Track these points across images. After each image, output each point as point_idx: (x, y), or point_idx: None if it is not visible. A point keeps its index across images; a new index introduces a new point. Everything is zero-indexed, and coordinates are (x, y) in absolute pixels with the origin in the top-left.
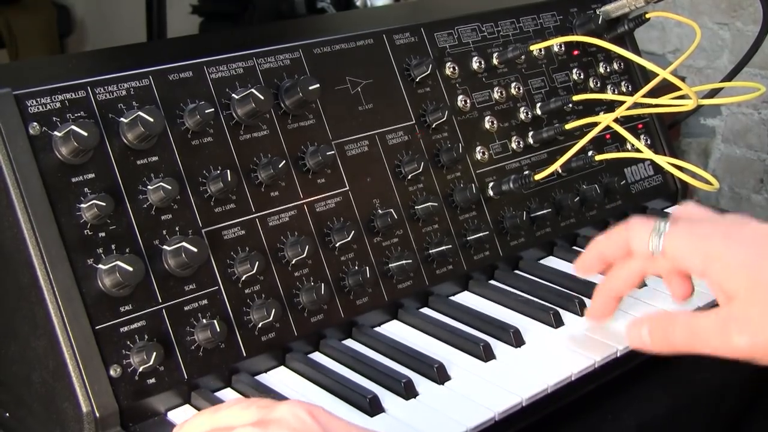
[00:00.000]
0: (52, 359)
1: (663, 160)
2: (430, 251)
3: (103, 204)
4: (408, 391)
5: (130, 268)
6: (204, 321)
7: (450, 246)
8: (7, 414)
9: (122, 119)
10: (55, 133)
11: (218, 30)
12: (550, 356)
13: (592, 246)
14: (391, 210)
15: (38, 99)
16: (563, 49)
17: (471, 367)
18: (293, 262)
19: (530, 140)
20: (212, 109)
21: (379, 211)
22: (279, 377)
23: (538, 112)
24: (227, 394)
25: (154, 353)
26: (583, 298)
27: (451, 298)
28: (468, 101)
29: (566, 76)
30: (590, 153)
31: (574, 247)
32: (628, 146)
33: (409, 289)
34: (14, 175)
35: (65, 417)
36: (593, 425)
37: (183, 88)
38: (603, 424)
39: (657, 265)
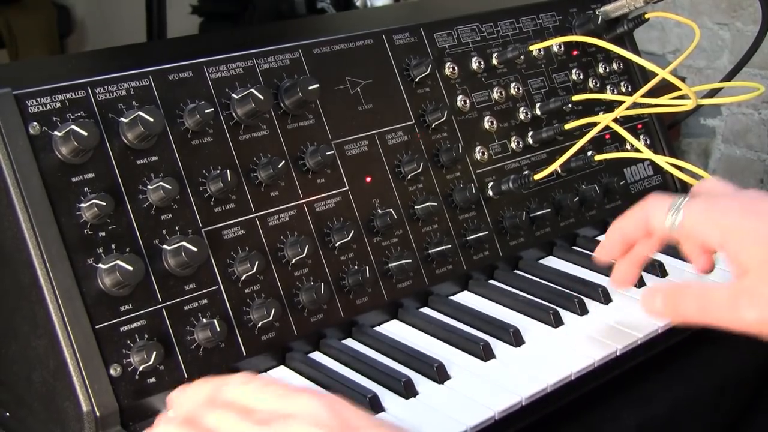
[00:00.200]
0: (53, 359)
1: (662, 160)
2: (430, 251)
3: (103, 204)
4: (408, 391)
5: (130, 268)
6: (204, 320)
7: (450, 246)
8: (8, 413)
9: (122, 119)
10: (55, 132)
11: (218, 30)
12: (550, 356)
13: (612, 229)
14: (391, 210)
15: (38, 99)
16: (563, 49)
17: (471, 367)
18: (293, 261)
19: (530, 140)
20: (212, 109)
21: (379, 210)
22: (279, 377)
23: (538, 112)
24: None
25: (155, 353)
26: (583, 297)
27: (451, 297)
28: (467, 101)
29: (566, 76)
30: (590, 153)
31: (574, 247)
32: (628, 146)
33: (409, 288)
34: (14, 174)
35: (66, 416)
36: (593, 425)
37: (183, 88)
38: (603, 424)
39: (677, 239)
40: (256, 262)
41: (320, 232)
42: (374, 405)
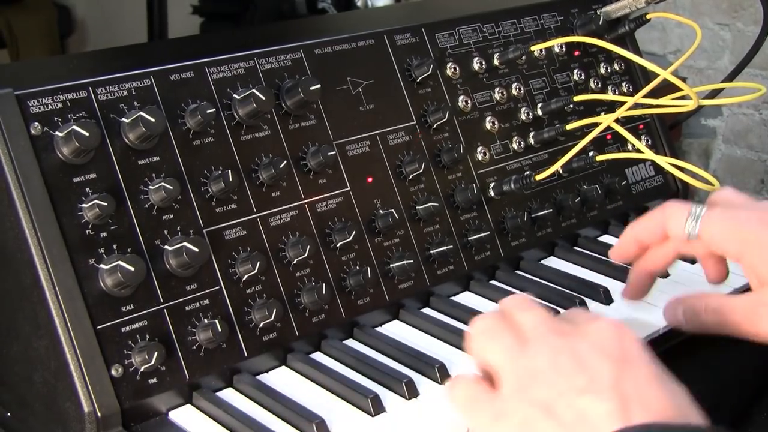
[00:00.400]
0: (54, 359)
1: (664, 161)
2: (432, 251)
3: (105, 204)
4: (409, 391)
5: (132, 268)
6: (205, 321)
7: (451, 246)
8: (9, 414)
9: (124, 119)
10: (57, 133)
11: (219, 30)
12: None
13: (628, 231)
14: (392, 210)
15: (40, 99)
16: (564, 49)
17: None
18: (294, 262)
19: (531, 141)
20: (213, 110)
21: (381, 211)
22: (280, 377)
23: (539, 112)
24: (228, 394)
25: (156, 353)
26: (584, 298)
27: (453, 298)
28: (469, 101)
29: (567, 77)
30: (591, 153)
31: (575, 248)
32: (629, 147)
33: (411, 289)
34: (16, 175)
35: (67, 417)
36: None
37: (184, 88)
38: None
39: (692, 248)
40: (258, 263)
41: (322, 232)
42: (376, 406)
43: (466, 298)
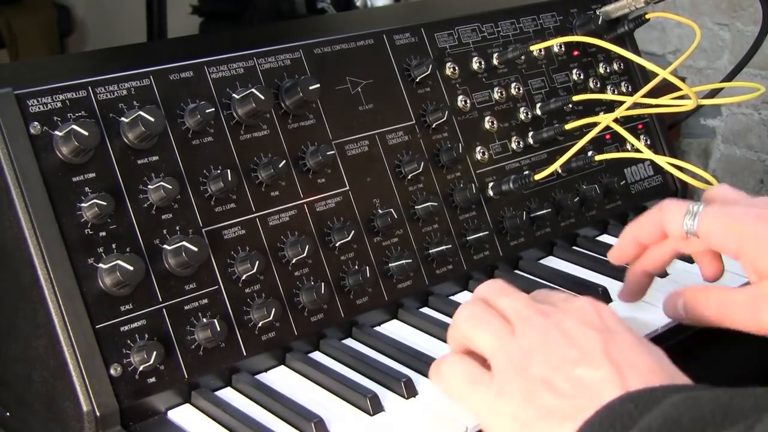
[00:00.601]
0: (53, 358)
1: (663, 161)
2: (430, 251)
3: (104, 203)
4: (408, 391)
5: (131, 268)
6: (204, 320)
7: (450, 246)
8: (8, 413)
9: (123, 119)
10: (56, 132)
11: (218, 30)
12: None
13: (626, 232)
14: (391, 210)
15: (39, 99)
16: (563, 49)
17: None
18: (293, 261)
19: (530, 140)
20: (213, 109)
21: (379, 210)
22: (279, 376)
23: (538, 112)
24: (227, 393)
25: (155, 352)
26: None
27: (452, 297)
28: (468, 101)
29: (566, 77)
30: (590, 153)
31: (574, 247)
32: (628, 146)
33: (409, 288)
34: (15, 174)
35: (66, 416)
36: None
37: (183, 87)
38: None
39: (690, 246)
40: (257, 262)
41: (321, 232)
42: (374, 405)
43: (465, 298)
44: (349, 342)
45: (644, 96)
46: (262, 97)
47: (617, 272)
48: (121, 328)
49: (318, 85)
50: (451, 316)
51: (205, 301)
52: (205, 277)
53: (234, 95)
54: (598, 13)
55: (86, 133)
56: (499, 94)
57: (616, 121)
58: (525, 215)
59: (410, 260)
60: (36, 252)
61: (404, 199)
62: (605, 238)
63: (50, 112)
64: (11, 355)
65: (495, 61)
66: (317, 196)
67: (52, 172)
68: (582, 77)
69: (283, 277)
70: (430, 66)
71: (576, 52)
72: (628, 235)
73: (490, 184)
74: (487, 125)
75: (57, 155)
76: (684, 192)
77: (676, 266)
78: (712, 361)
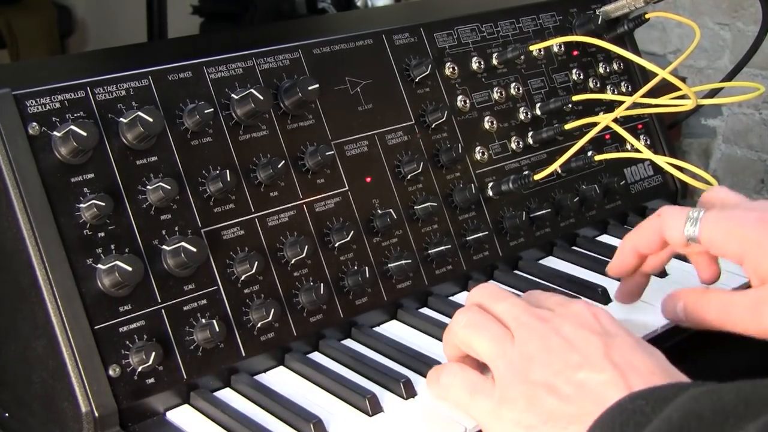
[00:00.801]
0: (52, 359)
1: (662, 161)
2: (430, 251)
3: (103, 204)
4: (407, 391)
5: (130, 268)
6: (203, 321)
7: (449, 246)
8: (7, 414)
9: (121, 119)
10: (55, 133)
11: (218, 30)
12: None
13: (625, 243)
14: (391, 210)
15: (38, 99)
16: (563, 49)
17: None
18: (292, 262)
19: (530, 140)
20: (211, 110)
21: (379, 211)
22: (278, 377)
23: (538, 112)
24: (226, 394)
25: (153, 353)
26: (582, 298)
27: (451, 298)
28: (467, 101)
29: (566, 77)
30: (590, 153)
31: (574, 248)
32: (628, 146)
33: (409, 289)
34: (13, 175)
35: (65, 417)
36: None
37: (182, 88)
38: None
39: (688, 250)
40: (256, 263)
41: (320, 232)
42: (373, 405)
43: (465, 298)
44: (349, 342)
45: (644, 96)
46: (261, 98)
47: None
48: (120, 329)
49: (317, 86)
50: (450, 317)
51: (204, 301)
52: (204, 278)
53: (233, 95)
54: (597, 12)
55: (85, 134)
56: (498, 94)
57: (615, 121)
58: (524, 215)
59: (409, 260)
60: (35, 253)
61: (404, 199)
62: (605, 239)
63: (49, 113)
64: (10, 355)
65: (494, 61)
66: (316, 197)
67: (51, 173)
68: (582, 77)
69: (282, 277)
70: (430, 66)
71: (576, 52)
72: (627, 246)
73: (490, 184)
74: (486, 125)
75: (55, 156)
76: (684, 192)
77: (675, 266)
78: (708, 363)
